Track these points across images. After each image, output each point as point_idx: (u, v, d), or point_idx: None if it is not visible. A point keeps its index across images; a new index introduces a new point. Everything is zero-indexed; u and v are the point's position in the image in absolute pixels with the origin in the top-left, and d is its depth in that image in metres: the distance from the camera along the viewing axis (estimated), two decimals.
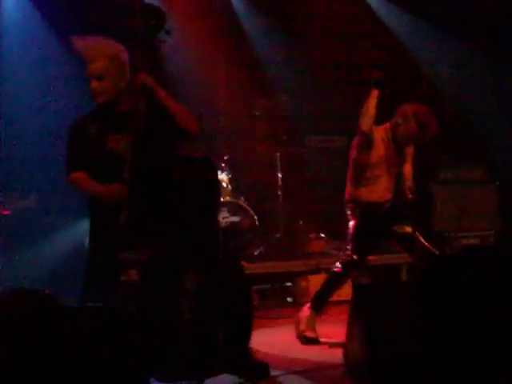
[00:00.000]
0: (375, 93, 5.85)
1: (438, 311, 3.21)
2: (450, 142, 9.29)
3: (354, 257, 5.98)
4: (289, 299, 7.85)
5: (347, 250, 6.04)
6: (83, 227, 7.34)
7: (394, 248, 7.21)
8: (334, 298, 6.22)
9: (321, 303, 6.10)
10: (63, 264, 7.10)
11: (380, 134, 6.06)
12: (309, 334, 5.99)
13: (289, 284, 7.98)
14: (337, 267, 6.08)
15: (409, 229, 6.04)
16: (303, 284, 7.76)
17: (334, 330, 5.91)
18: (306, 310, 6.09)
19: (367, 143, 5.98)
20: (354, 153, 6.11)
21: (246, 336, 4.53)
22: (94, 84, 4.55)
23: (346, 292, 6.30)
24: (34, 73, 8.17)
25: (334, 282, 6.12)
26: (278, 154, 8.83)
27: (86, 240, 4.69)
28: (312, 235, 8.63)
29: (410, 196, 6.09)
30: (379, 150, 6.04)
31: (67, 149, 4.66)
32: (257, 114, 9.10)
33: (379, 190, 6.05)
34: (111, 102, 4.59)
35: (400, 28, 10.03)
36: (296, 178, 9.12)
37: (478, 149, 9.57)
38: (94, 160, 4.54)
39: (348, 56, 9.78)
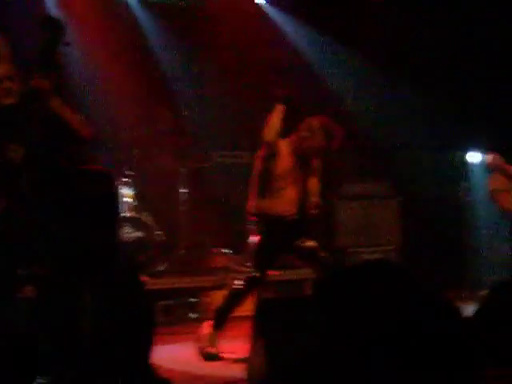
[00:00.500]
0: (280, 108, 5.89)
1: (338, 324, 3.22)
2: (354, 157, 9.42)
3: (256, 274, 5.96)
4: (192, 315, 7.80)
5: (249, 266, 6.02)
6: None
7: (298, 263, 7.24)
8: (239, 313, 6.19)
9: (221, 320, 6.05)
10: None
11: (285, 146, 6.09)
12: (210, 350, 5.94)
13: (193, 300, 7.93)
14: (238, 284, 6.04)
15: (312, 243, 6.06)
16: (207, 300, 7.73)
17: (237, 345, 5.88)
18: (206, 327, 6.03)
19: (271, 154, 6.00)
20: (258, 164, 6.12)
21: (146, 352, 4.46)
22: (8, 84, 4.34)
23: (250, 307, 6.28)
24: None
25: (234, 299, 6.08)
26: (183, 169, 8.79)
27: None
28: (215, 251, 8.61)
29: (313, 211, 6.12)
30: (284, 163, 6.06)
31: None
32: (162, 128, 9.03)
33: (284, 202, 6.06)
34: (11, 106, 4.38)
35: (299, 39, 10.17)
36: (200, 194, 9.08)
37: (381, 164, 9.70)
38: None
39: (251, 72, 9.81)
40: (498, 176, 7.17)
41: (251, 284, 6.02)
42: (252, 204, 6.11)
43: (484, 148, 7.46)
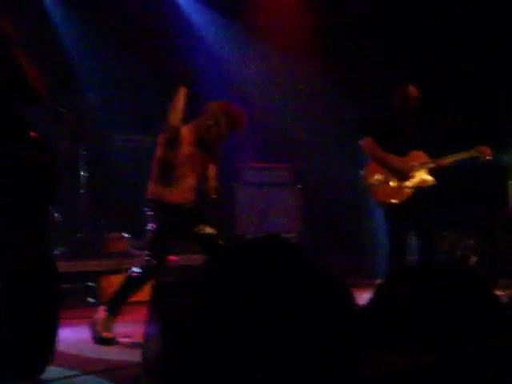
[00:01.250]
0: (183, 90, 5.84)
1: (229, 307, 3.23)
2: (255, 143, 9.47)
3: (153, 261, 5.92)
4: (90, 299, 7.72)
5: (146, 253, 5.97)
6: None
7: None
8: (138, 298, 6.15)
9: (117, 305, 5.98)
10: None
11: (187, 133, 6.04)
12: (105, 334, 5.87)
13: (90, 284, 7.85)
14: (134, 271, 5.99)
15: (211, 230, 6.05)
16: (104, 284, 7.66)
17: (134, 330, 5.85)
18: (101, 312, 5.96)
19: (175, 140, 5.94)
20: (159, 150, 6.04)
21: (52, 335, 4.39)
22: None
23: (147, 293, 6.24)
24: None
25: (131, 286, 6.01)
26: (83, 152, 8.68)
27: None
28: (115, 235, 8.54)
29: (213, 195, 6.12)
30: (185, 150, 6.01)
31: None
32: (62, 110, 8.89)
33: (184, 189, 6.01)
34: None
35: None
36: (100, 177, 8.98)
37: (282, 151, 9.77)
38: None
39: (155, 55, 9.75)
40: (374, 165, 7.00)
41: (148, 271, 5.95)
42: (151, 190, 6.05)
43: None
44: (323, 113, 9.81)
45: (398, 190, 6.84)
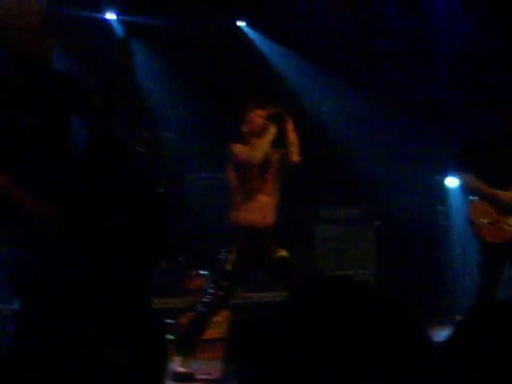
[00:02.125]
0: (273, 128, 5.86)
1: (312, 343, 3.22)
2: (332, 181, 9.45)
3: (220, 293, 5.91)
4: (169, 336, 7.75)
5: (212, 285, 5.94)
6: None
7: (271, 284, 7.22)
8: (213, 335, 6.15)
9: (191, 342, 6.00)
10: None
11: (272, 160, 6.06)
12: (183, 370, 5.87)
13: (169, 321, 7.88)
14: (200, 307, 5.99)
15: (284, 253, 5.99)
16: (184, 321, 7.68)
17: (211, 367, 5.86)
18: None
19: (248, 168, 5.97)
20: (232, 177, 6.07)
21: None
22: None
23: (224, 330, 6.26)
24: None
25: (199, 321, 6.04)
26: (162, 190, 8.77)
27: None
28: (192, 272, 8.58)
29: (297, 159, 6.04)
30: (259, 174, 6.04)
31: None
32: (140, 149, 9.02)
33: (258, 211, 6.02)
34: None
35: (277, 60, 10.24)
36: (177, 215, 9.05)
37: (359, 189, 9.73)
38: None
39: (232, 93, 9.83)
40: (478, 203, 6.50)
41: (214, 305, 5.97)
42: (230, 216, 6.05)
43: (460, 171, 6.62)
44: (400, 149, 9.73)
45: (502, 228, 6.42)
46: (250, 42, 10.31)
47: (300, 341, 3.21)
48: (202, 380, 5.88)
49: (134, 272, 3.81)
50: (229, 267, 5.89)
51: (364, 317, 3.01)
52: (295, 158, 5.99)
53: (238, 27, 10.37)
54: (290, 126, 5.95)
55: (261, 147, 5.81)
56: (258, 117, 5.94)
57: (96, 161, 3.76)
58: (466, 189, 6.70)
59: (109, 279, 3.72)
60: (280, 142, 6.01)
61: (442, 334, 3.56)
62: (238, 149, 5.94)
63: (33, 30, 3.78)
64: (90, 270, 3.66)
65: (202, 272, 8.60)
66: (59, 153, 3.86)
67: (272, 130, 5.85)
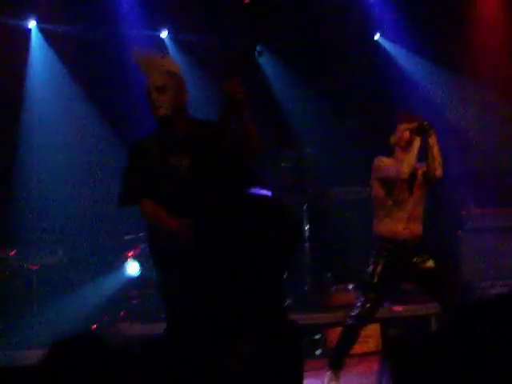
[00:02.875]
0: (418, 141, 5.84)
1: (469, 362, 3.17)
2: (477, 189, 9.27)
3: (367, 306, 5.87)
4: (317, 351, 7.78)
5: (360, 299, 5.92)
6: (110, 281, 7.44)
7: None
8: (364, 349, 6.14)
9: (340, 358, 5.93)
10: (91, 317, 7.15)
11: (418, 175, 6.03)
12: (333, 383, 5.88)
13: (317, 336, 7.92)
14: (349, 320, 5.93)
15: (431, 264, 5.92)
16: (332, 336, 7.70)
17: (363, 381, 5.86)
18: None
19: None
20: (377, 189, 6.02)
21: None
22: (154, 95, 4.30)
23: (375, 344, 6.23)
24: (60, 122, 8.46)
25: (347, 335, 5.95)
26: (305, 207, 8.84)
27: None
28: (340, 286, 8.59)
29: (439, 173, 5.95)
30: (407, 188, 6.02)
31: (127, 171, 4.36)
32: (283, 165, 9.11)
33: (403, 222, 5.97)
34: (171, 117, 4.33)
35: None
36: (323, 230, 9.09)
37: (503, 194, 9.49)
38: (159, 181, 4.25)
39: (369, 105, 9.82)
40: None
41: (365, 319, 5.92)
42: (376, 228, 6.01)
43: None
44: None
45: None
46: (385, 54, 10.31)
47: (458, 358, 3.18)
48: None
49: (266, 285, 4.01)
50: (376, 280, 5.87)
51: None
52: (438, 173, 5.94)
53: (374, 40, 10.40)
54: (434, 140, 5.90)
55: (408, 162, 5.78)
56: (405, 130, 5.91)
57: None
58: None
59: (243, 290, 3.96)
60: (422, 155, 5.97)
61: None
62: (386, 163, 5.93)
63: None
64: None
65: (348, 286, 8.60)
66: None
67: (417, 144, 5.82)
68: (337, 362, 5.93)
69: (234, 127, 4.19)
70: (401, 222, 5.90)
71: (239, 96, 4.12)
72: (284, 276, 4.17)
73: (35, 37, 8.97)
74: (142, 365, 2.70)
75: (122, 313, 7.60)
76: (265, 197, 4.14)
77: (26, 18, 8.94)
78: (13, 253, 7.44)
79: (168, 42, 9.86)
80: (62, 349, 2.60)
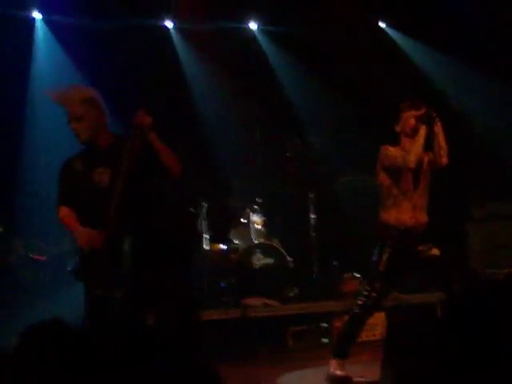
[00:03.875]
0: (424, 130, 5.83)
1: (478, 347, 3.15)
2: (481, 177, 9.25)
3: (373, 294, 5.88)
4: (324, 340, 7.79)
5: (366, 287, 5.93)
6: None
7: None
8: (369, 337, 6.14)
9: (345, 347, 5.95)
10: None
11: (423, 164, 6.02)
12: (339, 373, 5.88)
13: (324, 325, 7.93)
14: (355, 309, 5.93)
15: (436, 251, 5.92)
16: (338, 324, 7.71)
17: (368, 369, 5.86)
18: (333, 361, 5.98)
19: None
20: (384, 179, 6.03)
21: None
22: (74, 125, 4.87)
23: (380, 332, 6.23)
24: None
25: (353, 324, 5.97)
26: (311, 195, 8.84)
27: None
28: (347, 275, 8.59)
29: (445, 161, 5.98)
30: (411, 177, 6.00)
31: (57, 186, 5.01)
32: (289, 155, 9.11)
33: (409, 211, 5.97)
34: (92, 139, 4.89)
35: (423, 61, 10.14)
36: (330, 218, 9.10)
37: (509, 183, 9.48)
38: (81, 194, 4.87)
39: (374, 93, 9.78)
40: None
41: (368, 307, 5.93)
42: (381, 216, 6.01)
43: None
44: None
45: None
46: (392, 43, 10.30)
47: (458, 344, 3.18)
48: (358, 382, 5.88)
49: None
50: (382, 268, 5.86)
51: None
52: (444, 160, 5.93)
53: (380, 28, 10.37)
54: (439, 129, 5.89)
55: (415, 151, 5.76)
56: (411, 117, 5.90)
57: None
58: None
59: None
60: (428, 143, 5.95)
61: None
62: (392, 152, 5.91)
63: None
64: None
65: (355, 275, 8.60)
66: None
67: (423, 132, 5.80)
68: (342, 350, 5.95)
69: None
70: (407, 211, 5.90)
71: (144, 122, 4.69)
72: (188, 264, 5.28)
73: (40, 28, 9.00)
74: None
75: None
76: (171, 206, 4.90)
77: (30, 10, 8.98)
78: (19, 243, 7.48)
79: (173, 32, 9.89)
80: (30, 337, 2.70)
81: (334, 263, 8.81)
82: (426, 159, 5.95)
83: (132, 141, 4.71)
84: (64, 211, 4.94)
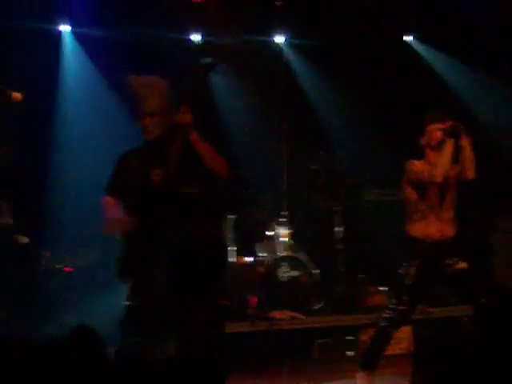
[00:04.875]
0: (451, 143, 5.81)
1: (505, 361, 3.16)
2: (508, 190, 9.22)
3: (401, 308, 5.85)
4: (350, 353, 7.78)
5: (393, 301, 5.92)
6: None
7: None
8: (396, 351, 6.12)
9: (372, 360, 5.94)
10: None
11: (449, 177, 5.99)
12: None
13: (350, 338, 7.91)
14: (382, 322, 5.92)
15: (463, 265, 5.90)
16: (364, 337, 7.70)
17: (394, 383, 5.85)
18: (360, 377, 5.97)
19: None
20: (410, 192, 5.99)
21: None
22: (147, 120, 4.73)
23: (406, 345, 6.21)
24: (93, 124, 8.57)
25: (381, 338, 5.95)
26: (336, 208, 8.84)
27: None
28: (372, 289, 8.57)
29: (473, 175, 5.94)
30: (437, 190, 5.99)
31: (111, 175, 4.95)
32: (315, 168, 9.11)
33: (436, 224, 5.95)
34: (160, 138, 4.76)
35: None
36: (356, 231, 9.09)
37: None
38: (136, 193, 4.79)
39: (401, 108, 9.78)
40: None
41: (398, 321, 5.92)
42: (408, 230, 5.98)
43: None
44: None
45: None
46: (418, 56, 10.30)
47: (485, 357, 3.18)
48: None
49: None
50: (409, 281, 5.84)
51: None
52: (471, 174, 5.89)
53: (406, 42, 10.40)
54: (467, 142, 5.86)
55: (441, 165, 5.73)
56: (436, 130, 5.88)
57: None
58: None
59: None
60: (454, 156, 5.93)
61: None
62: (418, 167, 5.88)
63: None
64: None
65: (381, 288, 8.58)
66: None
67: (450, 146, 5.77)
68: (369, 363, 5.94)
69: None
70: (433, 224, 5.88)
71: (186, 121, 4.59)
72: (216, 279, 4.87)
73: (68, 40, 9.10)
74: None
75: None
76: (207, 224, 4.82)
77: (58, 23, 9.07)
78: (48, 254, 7.53)
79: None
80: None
81: (360, 276, 8.79)
82: (452, 173, 5.92)
83: (174, 140, 4.60)
84: (110, 199, 4.88)
